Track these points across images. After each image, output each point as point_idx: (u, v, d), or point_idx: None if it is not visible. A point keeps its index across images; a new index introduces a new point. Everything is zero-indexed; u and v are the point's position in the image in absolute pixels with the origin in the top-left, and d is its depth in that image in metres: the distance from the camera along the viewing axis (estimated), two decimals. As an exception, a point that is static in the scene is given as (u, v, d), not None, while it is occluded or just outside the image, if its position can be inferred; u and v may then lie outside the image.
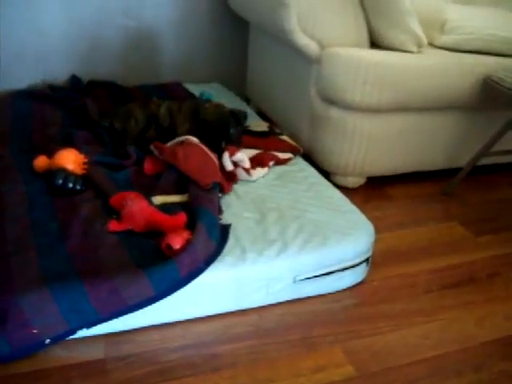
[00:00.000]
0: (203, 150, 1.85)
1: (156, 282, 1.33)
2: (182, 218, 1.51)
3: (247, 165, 1.91)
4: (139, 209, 1.52)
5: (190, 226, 1.51)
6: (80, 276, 1.31)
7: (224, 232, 1.56)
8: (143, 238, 1.50)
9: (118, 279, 1.31)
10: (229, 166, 1.87)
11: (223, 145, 1.94)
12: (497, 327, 1.55)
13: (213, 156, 1.84)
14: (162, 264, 1.36)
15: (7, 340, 1.22)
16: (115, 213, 1.57)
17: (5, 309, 1.22)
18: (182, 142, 1.91)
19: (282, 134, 2.23)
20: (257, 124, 2.29)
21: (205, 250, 1.43)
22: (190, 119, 2.07)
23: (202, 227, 1.48)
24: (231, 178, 1.87)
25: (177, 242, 1.41)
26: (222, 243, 1.50)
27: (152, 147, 1.91)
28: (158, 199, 1.64)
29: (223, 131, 1.99)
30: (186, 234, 1.44)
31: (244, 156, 1.92)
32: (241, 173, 1.89)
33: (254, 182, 1.90)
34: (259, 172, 1.94)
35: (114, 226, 1.52)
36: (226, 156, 1.89)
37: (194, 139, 1.91)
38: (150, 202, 1.60)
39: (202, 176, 1.72)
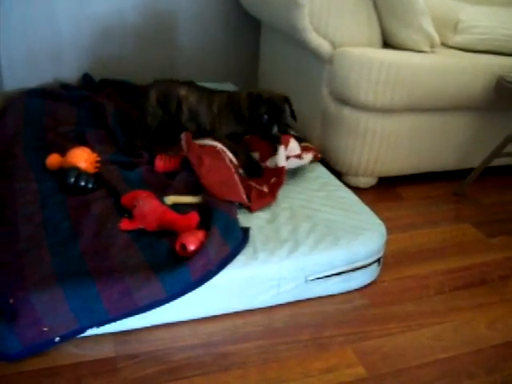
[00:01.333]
0: (228, 166, 1.82)
1: (168, 284, 1.33)
2: (194, 217, 1.51)
3: (298, 150, 1.91)
4: (151, 208, 1.52)
5: (206, 227, 1.50)
6: (92, 275, 1.32)
7: (243, 235, 1.53)
8: (155, 237, 1.50)
9: (131, 280, 1.32)
10: (282, 162, 1.83)
11: (275, 130, 1.86)
12: (509, 329, 1.54)
13: (236, 175, 1.79)
14: (174, 266, 1.36)
15: (18, 338, 1.22)
16: (127, 211, 1.58)
17: (16, 306, 1.23)
18: (208, 147, 1.90)
19: (302, 140, 2.21)
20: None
21: (218, 253, 1.42)
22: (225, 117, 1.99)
23: (217, 231, 1.47)
24: (275, 187, 1.78)
25: (191, 243, 1.41)
26: (240, 246, 1.49)
27: (183, 135, 1.91)
28: (171, 199, 1.64)
29: (266, 132, 1.91)
30: (200, 235, 1.44)
31: (295, 142, 1.92)
32: (291, 162, 1.88)
33: (306, 165, 1.96)
34: (308, 155, 1.96)
35: (125, 224, 1.52)
36: (281, 151, 1.85)
37: (221, 147, 1.89)
38: (162, 202, 1.60)
39: (221, 194, 1.66)
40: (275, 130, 1.88)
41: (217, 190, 1.68)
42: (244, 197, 1.70)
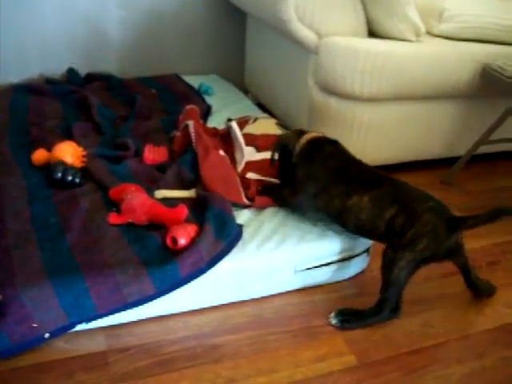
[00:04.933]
0: (229, 164, 1.82)
1: (157, 280, 1.33)
2: (182, 211, 1.50)
3: None
4: (139, 202, 1.52)
5: (197, 222, 1.51)
6: (82, 270, 1.31)
7: (237, 231, 1.52)
8: (144, 230, 1.50)
9: (120, 276, 1.31)
10: None
11: None
12: (498, 315, 1.56)
13: (235, 173, 1.79)
14: (164, 262, 1.36)
15: (7, 334, 1.22)
16: (115, 205, 1.57)
17: (5, 302, 1.22)
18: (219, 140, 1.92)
19: (287, 129, 2.20)
20: (263, 116, 2.28)
21: (210, 251, 1.42)
22: None
23: (210, 228, 1.46)
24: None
25: (182, 236, 1.41)
26: (233, 243, 1.48)
27: (191, 124, 1.92)
28: (162, 193, 1.64)
29: None
30: (190, 229, 1.44)
31: None
32: None
33: None
34: None
35: (114, 218, 1.52)
36: None
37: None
38: (152, 195, 1.60)
39: (220, 192, 1.65)
40: None
41: (216, 187, 1.68)
42: (244, 198, 1.68)
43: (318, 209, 1.58)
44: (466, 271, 1.58)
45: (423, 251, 1.41)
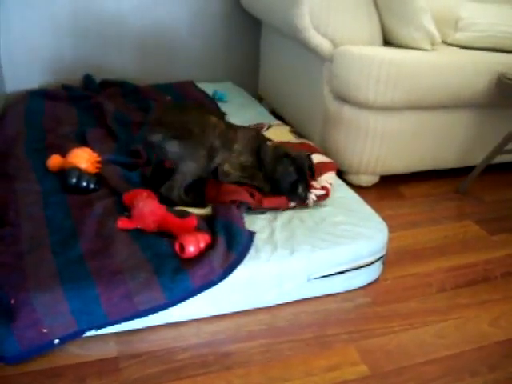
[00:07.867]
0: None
1: (167, 289, 1.34)
2: (192, 221, 1.50)
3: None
4: (151, 210, 1.51)
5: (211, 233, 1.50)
6: (93, 277, 1.32)
7: (247, 239, 1.51)
8: (155, 236, 1.50)
9: (131, 283, 1.32)
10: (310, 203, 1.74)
11: (300, 190, 1.70)
12: (511, 327, 1.54)
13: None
14: (175, 273, 1.36)
15: (17, 339, 1.22)
16: (127, 210, 1.57)
17: (17, 307, 1.23)
18: None
19: (300, 136, 2.19)
20: (277, 123, 2.28)
21: (222, 263, 1.41)
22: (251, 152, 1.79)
23: (222, 241, 1.47)
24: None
25: (190, 243, 1.41)
26: (244, 252, 1.47)
27: None
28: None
29: (291, 190, 1.72)
30: (201, 237, 1.44)
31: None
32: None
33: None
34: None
35: (123, 223, 1.51)
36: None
37: None
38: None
39: (227, 197, 1.65)
40: (300, 189, 1.70)
41: (222, 196, 1.67)
42: (249, 198, 1.67)
43: None
44: None
45: None
